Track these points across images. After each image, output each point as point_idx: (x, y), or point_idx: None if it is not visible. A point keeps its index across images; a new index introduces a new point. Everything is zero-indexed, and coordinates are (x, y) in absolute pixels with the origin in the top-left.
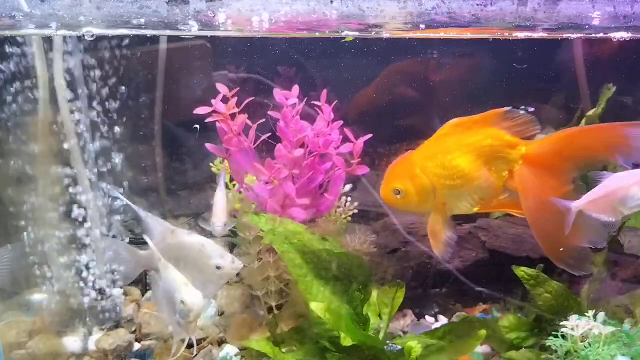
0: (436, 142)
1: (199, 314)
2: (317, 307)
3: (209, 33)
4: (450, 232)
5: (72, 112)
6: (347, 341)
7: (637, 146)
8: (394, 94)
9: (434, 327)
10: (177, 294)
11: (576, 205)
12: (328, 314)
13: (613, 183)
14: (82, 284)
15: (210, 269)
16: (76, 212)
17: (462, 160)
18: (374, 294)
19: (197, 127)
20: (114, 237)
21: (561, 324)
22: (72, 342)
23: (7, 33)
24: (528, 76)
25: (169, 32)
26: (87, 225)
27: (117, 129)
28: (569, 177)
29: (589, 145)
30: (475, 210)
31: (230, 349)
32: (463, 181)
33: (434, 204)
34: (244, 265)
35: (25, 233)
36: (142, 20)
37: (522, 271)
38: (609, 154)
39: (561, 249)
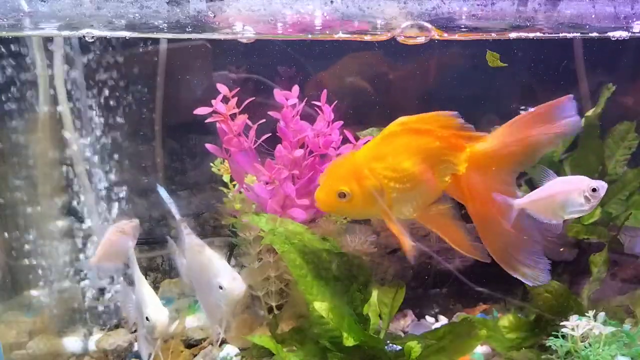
0: (383, 142)
1: (164, 331)
2: (320, 307)
3: (209, 36)
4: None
5: (72, 112)
6: (349, 341)
7: (567, 121)
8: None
9: (434, 327)
10: (144, 308)
11: (518, 203)
12: (331, 314)
13: (556, 186)
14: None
15: (215, 288)
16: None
17: (410, 162)
18: (374, 294)
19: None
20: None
21: (561, 324)
22: (72, 342)
23: (6, 34)
24: (529, 76)
25: (169, 35)
26: (89, 222)
27: (116, 128)
28: (513, 175)
29: (529, 134)
30: (413, 217)
31: (230, 349)
32: (411, 184)
33: (378, 208)
34: (246, 287)
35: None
36: (143, 20)
37: None
38: (550, 137)
39: (515, 256)
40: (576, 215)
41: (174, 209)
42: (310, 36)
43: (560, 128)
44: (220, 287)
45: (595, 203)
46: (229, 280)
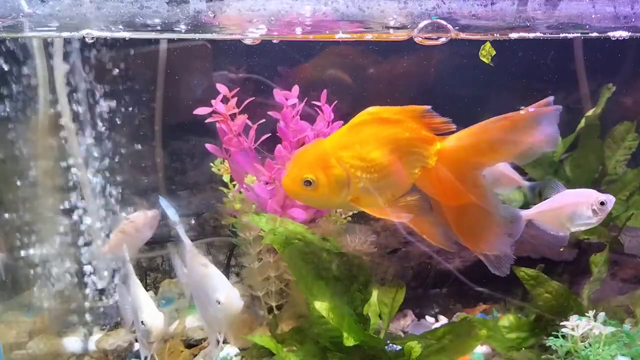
0: (351, 130)
1: (159, 335)
2: (320, 307)
3: (209, 36)
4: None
5: (71, 112)
6: (349, 341)
7: (548, 134)
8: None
9: (434, 327)
10: (140, 312)
11: (526, 214)
12: (331, 314)
13: (564, 198)
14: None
15: (213, 302)
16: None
17: (379, 153)
18: (374, 294)
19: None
20: None
21: (561, 324)
22: (72, 342)
23: (6, 35)
24: (529, 75)
25: (169, 35)
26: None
27: (116, 128)
28: (481, 172)
29: (503, 138)
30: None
31: (230, 349)
32: (379, 175)
33: (344, 198)
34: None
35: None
36: (142, 20)
37: (522, 271)
38: (523, 144)
39: (486, 246)
40: (583, 228)
41: (175, 218)
42: (312, 37)
43: (536, 142)
44: (218, 302)
45: (603, 216)
46: (227, 296)
